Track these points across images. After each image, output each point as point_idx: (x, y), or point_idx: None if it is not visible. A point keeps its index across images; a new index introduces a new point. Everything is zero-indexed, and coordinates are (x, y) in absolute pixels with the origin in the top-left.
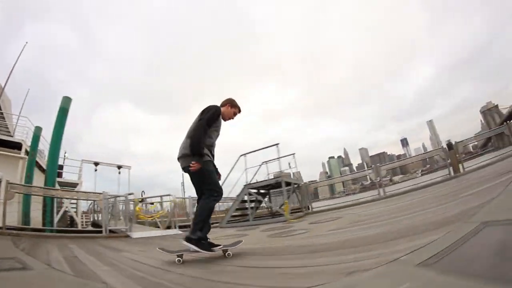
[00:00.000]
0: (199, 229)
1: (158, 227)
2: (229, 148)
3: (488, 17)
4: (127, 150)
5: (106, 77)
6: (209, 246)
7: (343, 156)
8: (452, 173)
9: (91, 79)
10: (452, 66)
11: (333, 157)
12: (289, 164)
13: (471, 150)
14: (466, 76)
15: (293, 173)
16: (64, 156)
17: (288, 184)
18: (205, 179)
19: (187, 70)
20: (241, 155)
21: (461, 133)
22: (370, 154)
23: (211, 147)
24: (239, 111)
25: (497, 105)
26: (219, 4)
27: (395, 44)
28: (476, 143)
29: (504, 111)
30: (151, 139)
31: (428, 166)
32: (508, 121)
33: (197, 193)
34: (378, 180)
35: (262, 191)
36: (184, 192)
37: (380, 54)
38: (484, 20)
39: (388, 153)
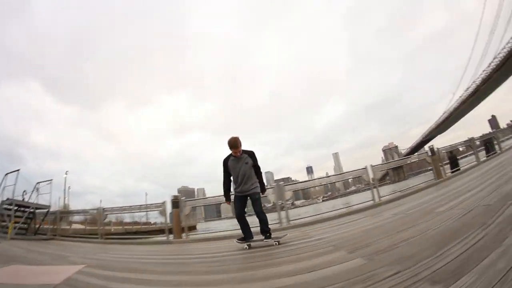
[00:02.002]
0: (243, 233)
1: None
2: (133, 157)
3: (403, 74)
4: (27, 139)
5: (21, 46)
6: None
7: None
8: None
9: (3, 45)
10: (364, 108)
11: None
12: (37, 188)
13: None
14: (375, 118)
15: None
16: None
17: (25, 206)
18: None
19: (107, 63)
20: (6, 174)
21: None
22: (275, 178)
23: (235, 183)
24: (231, 141)
25: (397, 146)
26: (159, 3)
27: (315, 79)
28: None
29: (403, 152)
30: (55, 131)
31: (329, 193)
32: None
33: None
34: (281, 203)
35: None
36: None
37: (299, 85)
38: (400, 75)
39: (293, 179)
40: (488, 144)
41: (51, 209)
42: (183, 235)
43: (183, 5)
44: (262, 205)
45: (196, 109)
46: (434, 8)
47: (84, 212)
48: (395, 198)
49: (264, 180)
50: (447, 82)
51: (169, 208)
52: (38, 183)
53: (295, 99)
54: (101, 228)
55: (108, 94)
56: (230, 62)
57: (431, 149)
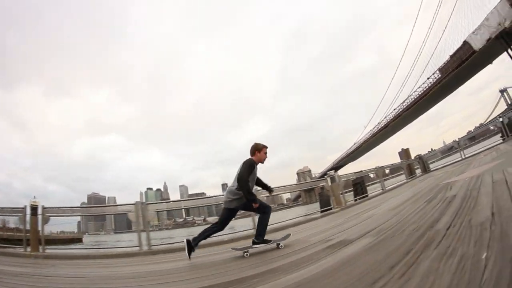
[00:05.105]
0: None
1: None
2: (44, 153)
3: (324, 104)
4: None
5: None
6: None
7: (162, 189)
8: None
9: None
10: (285, 131)
11: (151, 189)
12: None
13: (284, 202)
14: (294, 141)
15: None
16: None
17: None
18: (260, 205)
19: (32, 40)
20: None
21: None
22: (189, 192)
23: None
24: (266, 147)
25: (310, 170)
26: None
27: (242, 96)
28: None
29: (316, 175)
30: None
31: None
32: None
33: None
34: (191, 218)
35: None
36: None
37: (225, 99)
38: (322, 105)
39: (207, 194)
40: (358, 185)
41: None
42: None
43: None
44: None
45: (117, 110)
46: (365, 50)
47: None
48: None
49: None
50: (365, 115)
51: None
52: None
53: (219, 113)
54: None
55: (26, 75)
56: (160, 63)
57: (331, 177)
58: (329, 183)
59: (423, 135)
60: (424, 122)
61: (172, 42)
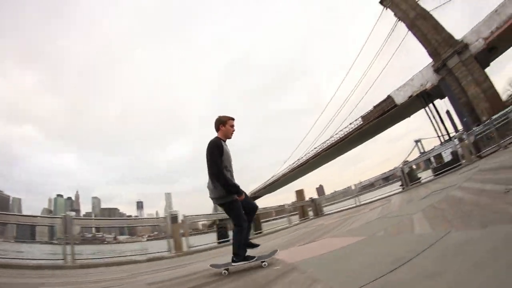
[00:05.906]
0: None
1: None
2: None
3: (250, 135)
4: None
5: None
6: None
7: (73, 198)
8: None
9: None
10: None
11: (62, 196)
12: None
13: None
14: None
15: None
16: None
17: None
18: (234, 212)
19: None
20: None
21: (195, 211)
22: (102, 206)
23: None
24: (233, 119)
25: None
26: None
27: (170, 114)
28: None
29: None
30: None
31: (155, 233)
32: None
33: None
34: (101, 235)
35: None
36: None
37: (153, 114)
38: (247, 136)
39: (121, 211)
40: (221, 229)
41: None
42: None
43: None
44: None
45: (40, 99)
46: (295, 92)
47: None
48: None
49: None
50: (286, 151)
51: None
52: None
53: (144, 127)
54: None
55: None
56: (97, 62)
57: (173, 216)
58: (169, 223)
59: (344, 173)
60: (346, 162)
61: (114, 42)
